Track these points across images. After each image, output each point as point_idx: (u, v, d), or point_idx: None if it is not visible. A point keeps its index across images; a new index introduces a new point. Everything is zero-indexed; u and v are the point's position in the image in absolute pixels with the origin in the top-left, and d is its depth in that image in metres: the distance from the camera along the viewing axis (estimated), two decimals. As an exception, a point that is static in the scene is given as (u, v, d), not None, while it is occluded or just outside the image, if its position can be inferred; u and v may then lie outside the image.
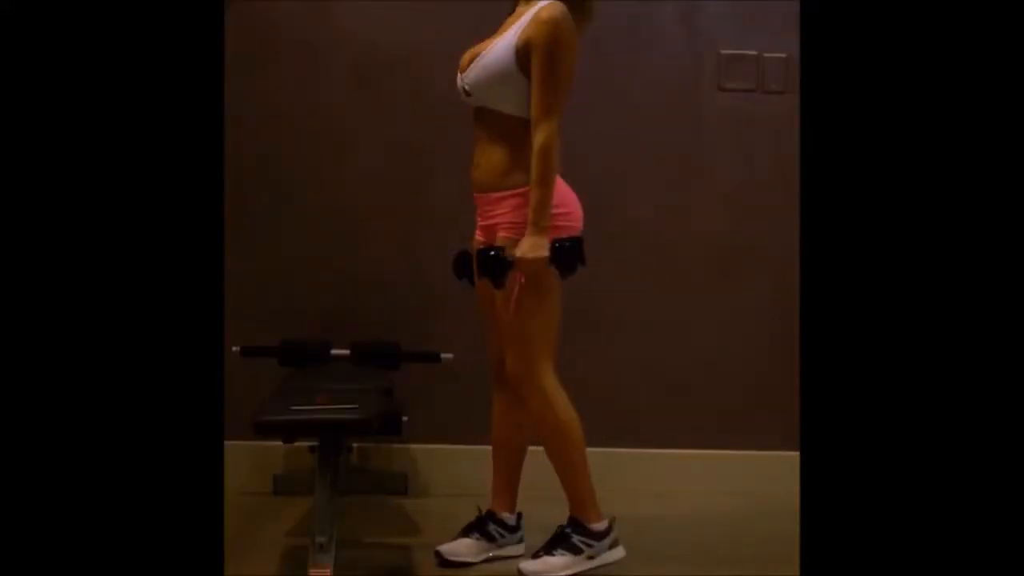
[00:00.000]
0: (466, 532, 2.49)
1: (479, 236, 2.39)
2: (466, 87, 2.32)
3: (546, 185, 2.20)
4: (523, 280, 2.23)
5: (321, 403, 2.26)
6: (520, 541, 2.51)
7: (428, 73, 2.93)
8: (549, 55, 2.19)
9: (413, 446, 2.98)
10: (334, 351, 2.76)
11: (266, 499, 2.88)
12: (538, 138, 2.19)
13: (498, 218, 2.30)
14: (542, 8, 2.21)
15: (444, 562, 2.43)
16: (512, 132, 2.26)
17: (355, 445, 2.93)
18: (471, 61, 2.32)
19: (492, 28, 2.92)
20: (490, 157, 2.31)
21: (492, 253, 2.26)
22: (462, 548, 2.45)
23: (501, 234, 2.28)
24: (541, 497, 2.56)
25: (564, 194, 2.29)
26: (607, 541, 2.39)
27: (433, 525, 2.74)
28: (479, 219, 2.39)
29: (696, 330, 3.05)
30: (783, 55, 2.97)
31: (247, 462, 2.87)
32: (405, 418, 2.64)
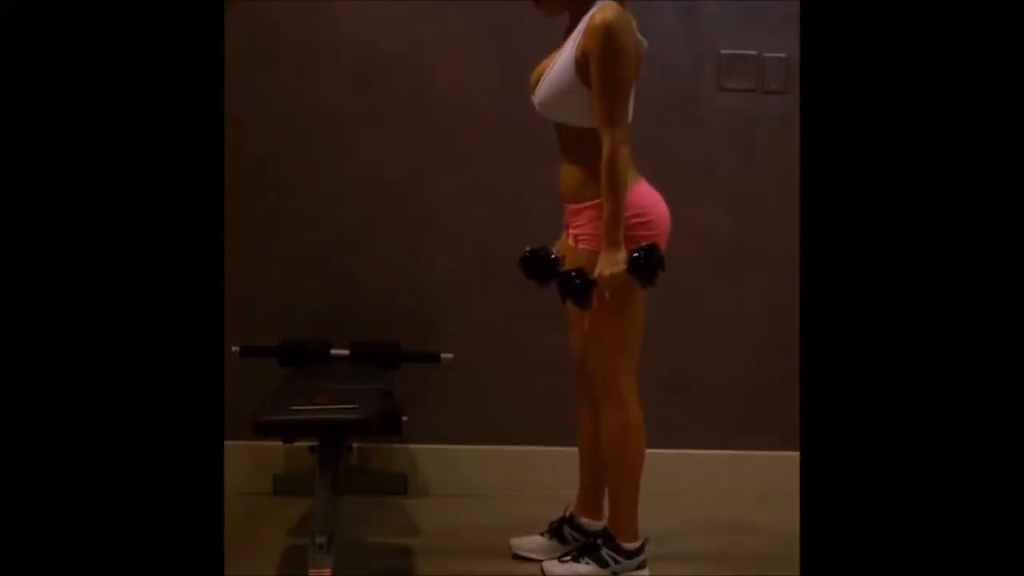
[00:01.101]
0: (552, 533, 2.51)
1: (569, 242, 2.36)
2: (537, 106, 2.31)
3: (615, 198, 2.16)
4: (608, 296, 2.19)
5: (321, 403, 2.25)
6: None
7: (428, 73, 2.93)
8: (604, 63, 2.15)
9: (413, 446, 2.98)
10: (334, 351, 2.76)
11: (266, 499, 2.88)
12: (603, 149, 2.16)
13: (579, 229, 2.28)
14: (594, 14, 2.17)
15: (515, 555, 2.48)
16: (586, 144, 2.22)
17: (355, 445, 2.93)
18: (539, 79, 2.30)
19: (492, 28, 2.94)
20: (568, 169, 2.31)
21: (573, 275, 2.22)
22: (533, 545, 2.48)
23: (581, 246, 2.26)
24: (551, 497, 2.57)
25: (647, 200, 2.26)
26: (635, 561, 2.39)
27: (433, 525, 2.74)
28: (568, 227, 2.37)
29: (696, 330, 3.05)
30: (783, 55, 2.97)
31: (247, 462, 2.87)
32: (405, 418, 2.64)
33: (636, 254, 2.19)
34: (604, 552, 2.36)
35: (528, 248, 2.42)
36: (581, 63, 2.19)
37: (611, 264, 2.17)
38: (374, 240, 2.97)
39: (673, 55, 2.98)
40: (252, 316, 2.84)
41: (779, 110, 2.98)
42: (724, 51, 2.98)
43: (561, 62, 2.23)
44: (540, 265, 2.39)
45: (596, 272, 2.19)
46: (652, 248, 2.20)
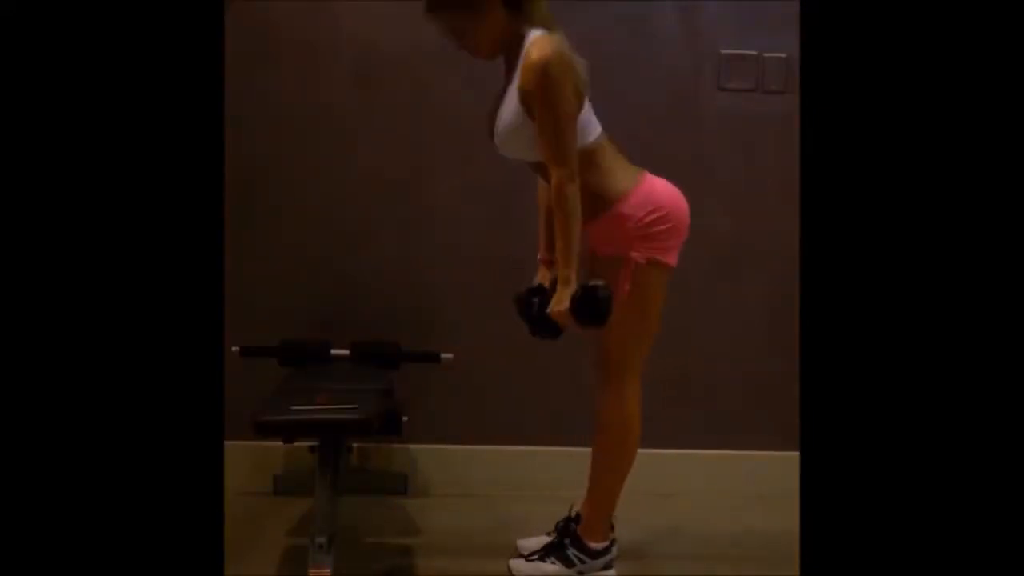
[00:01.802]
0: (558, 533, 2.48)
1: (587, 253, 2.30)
2: (498, 148, 2.28)
3: (566, 235, 2.13)
4: (626, 291, 2.18)
5: (321, 403, 2.25)
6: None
7: (428, 73, 2.92)
8: (543, 102, 2.11)
9: (413, 446, 2.98)
10: (334, 351, 2.76)
11: (266, 499, 2.88)
12: (552, 184, 2.14)
13: (597, 238, 2.25)
14: (529, 51, 2.13)
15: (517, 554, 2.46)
16: None
17: (355, 445, 2.93)
18: (493, 121, 2.28)
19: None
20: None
21: (535, 309, 2.23)
22: (539, 545, 2.46)
23: (600, 252, 2.24)
24: (551, 497, 2.57)
25: (658, 194, 2.25)
26: (601, 561, 2.38)
27: (433, 525, 2.74)
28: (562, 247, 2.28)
29: (696, 330, 3.04)
30: (783, 55, 2.97)
31: (247, 462, 2.87)
32: (405, 418, 2.64)
33: (577, 293, 2.15)
34: (570, 552, 2.36)
35: (525, 288, 2.33)
36: (524, 101, 2.15)
37: (559, 302, 2.16)
38: (374, 240, 2.97)
39: (673, 55, 2.98)
40: (252, 316, 2.83)
41: (779, 110, 2.98)
42: (724, 51, 2.98)
43: (507, 101, 2.20)
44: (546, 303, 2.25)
45: (548, 309, 2.18)
46: (592, 289, 2.15)
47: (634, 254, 2.19)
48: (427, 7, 2.17)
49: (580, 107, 2.18)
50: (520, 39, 2.17)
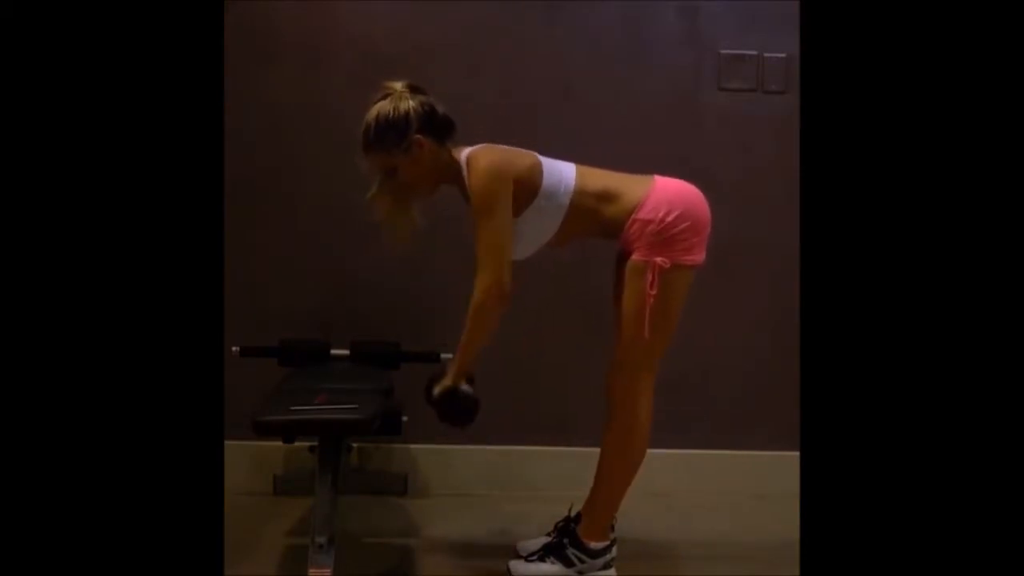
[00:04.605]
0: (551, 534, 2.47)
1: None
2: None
3: (468, 340, 2.25)
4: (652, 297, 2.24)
5: (321, 403, 2.25)
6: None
7: (428, 73, 2.92)
8: (483, 207, 2.20)
9: (413, 446, 2.98)
10: (334, 351, 2.76)
11: (266, 499, 2.88)
12: (475, 291, 2.20)
13: (630, 244, 2.28)
14: (472, 163, 2.23)
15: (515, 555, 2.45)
16: (578, 226, 2.29)
17: (355, 445, 2.93)
18: None
19: (492, 28, 2.94)
20: (590, 236, 2.36)
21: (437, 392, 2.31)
22: (534, 544, 2.46)
23: (635, 257, 2.26)
24: (551, 498, 2.57)
25: (670, 195, 2.28)
26: (601, 560, 2.37)
27: (433, 525, 2.74)
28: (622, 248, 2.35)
29: (696, 330, 3.03)
30: (783, 55, 2.97)
31: (247, 462, 2.87)
32: (405, 418, 2.64)
33: (447, 390, 2.26)
34: (570, 552, 2.35)
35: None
36: (472, 202, 2.24)
37: (442, 385, 2.28)
38: (374, 240, 2.96)
39: (673, 55, 2.98)
40: (252, 316, 2.83)
41: (779, 110, 2.98)
42: (724, 51, 2.98)
43: None
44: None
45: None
46: (452, 393, 2.27)
47: (658, 259, 2.22)
48: (363, 148, 2.28)
49: (534, 193, 2.26)
50: (458, 163, 2.28)
